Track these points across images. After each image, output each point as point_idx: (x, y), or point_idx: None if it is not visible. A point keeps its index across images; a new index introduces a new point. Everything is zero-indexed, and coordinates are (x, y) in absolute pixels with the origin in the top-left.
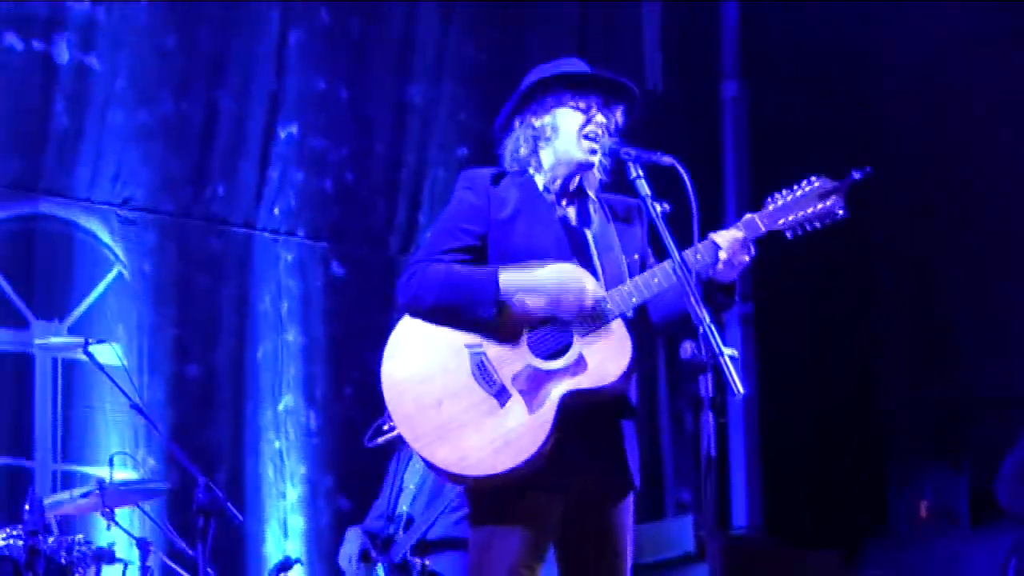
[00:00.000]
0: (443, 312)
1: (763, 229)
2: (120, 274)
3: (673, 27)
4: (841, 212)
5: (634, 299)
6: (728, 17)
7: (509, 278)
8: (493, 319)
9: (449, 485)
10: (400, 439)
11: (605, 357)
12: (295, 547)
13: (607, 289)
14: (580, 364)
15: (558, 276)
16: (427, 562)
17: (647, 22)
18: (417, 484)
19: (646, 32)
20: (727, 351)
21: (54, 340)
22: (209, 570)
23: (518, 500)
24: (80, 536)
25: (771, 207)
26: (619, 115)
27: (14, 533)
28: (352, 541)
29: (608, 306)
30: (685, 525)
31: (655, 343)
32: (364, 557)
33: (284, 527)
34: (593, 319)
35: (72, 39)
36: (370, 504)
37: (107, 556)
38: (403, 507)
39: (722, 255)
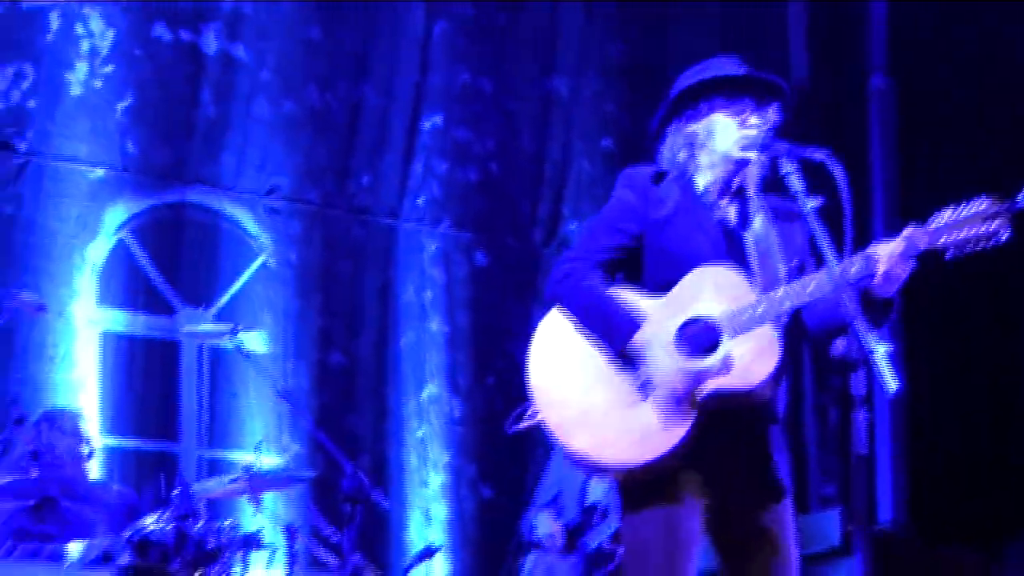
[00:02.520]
0: (577, 328)
1: (923, 246)
2: (265, 263)
3: (819, 21)
4: (1005, 236)
5: (786, 304)
6: (876, 10)
7: (646, 337)
8: (621, 359)
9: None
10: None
11: (753, 360)
12: (437, 534)
13: (763, 292)
14: (727, 364)
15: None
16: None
17: (793, 16)
18: None
19: (791, 26)
20: (880, 348)
21: (202, 327)
22: (355, 556)
23: (661, 494)
24: (228, 521)
25: (934, 225)
26: (772, 113)
27: (163, 518)
28: (549, 520)
29: (760, 311)
30: (830, 519)
31: (802, 344)
32: (571, 536)
33: (427, 514)
34: (742, 319)
35: (219, 30)
36: (512, 492)
37: (254, 541)
38: (597, 496)
39: (880, 268)
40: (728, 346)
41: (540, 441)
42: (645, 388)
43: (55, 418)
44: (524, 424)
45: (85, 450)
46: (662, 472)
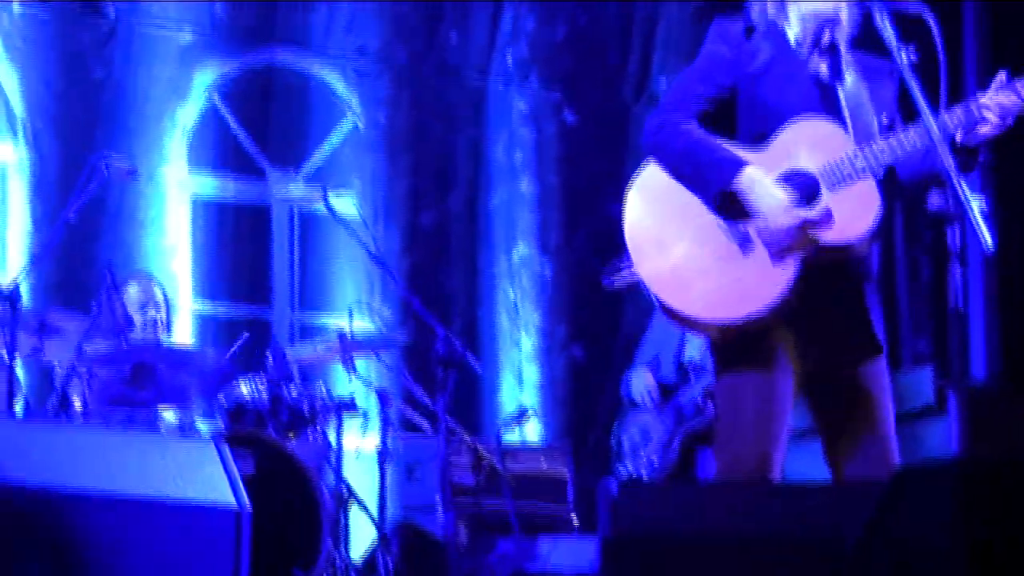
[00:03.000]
0: (675, 176)
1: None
2: (355, 124)
3: None
4: None
5: (886, 157)
6: None
7: (751, 177)
8: (714, 203)
9: None
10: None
11: (853, 213)
12: (529, 397)
13: (858, 146)
14: (828, 216)
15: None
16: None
17: None
18: None
19: None
20: (975, 202)
21: (293, 191)
22: (448, 420)
23: (755, 356)
24: (321, 386)
25: None
26: None
27: (257, 383)
28: (643, 375)
29: (859, 164)
30: (924, 377)
31: (895, 196)
32: (664, 391)
33: (519, 377)
34: (841, 172)
35: None
36: (604, 353)
37: (347, 405)
38: (692, 353)
39: (982, 128)
40: (828, 198)
41: (632, 301)
42: (745, 244)
43: (146, 283)
44: (620, 277)
45: (172, 315)
46: (757, 331)
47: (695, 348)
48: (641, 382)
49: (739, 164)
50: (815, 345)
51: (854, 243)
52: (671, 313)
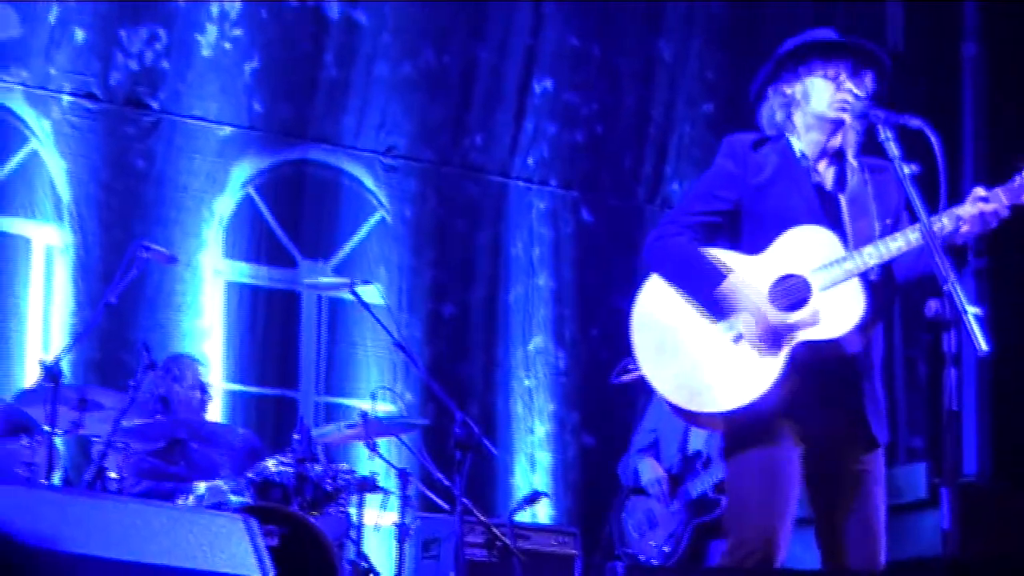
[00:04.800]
0: (675, 283)
1: (1007, 202)
2: (383, 218)
3: None
4: None
5: (872, 260)
6: None
7: (731, 286)
8: (713, 309)
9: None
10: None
11: (838, 312)
12: (542, 480)
13: (855, 249)
14: (815, 318)
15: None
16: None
17: None
18: None
19: None
20: (971, 309)
21: (322, 280)
22: (464, 500)
23: (761, 441)
24: (344, 465)
25: (1018, 182)
26: (868, 81)
27: (284, 460)
28: (652, 465)
29: (847, 266)
30: (917, 472)
31: (892, 300)
32: (675, 481)
33: (532, 461)
34: (831, 275)
35: None
36: (613, 441)
37: (370, 484)
38: (697, 445)
39: (964, 227)
40: (817, 299)
41: (641, 392)
42: (738, 340)
43: (181, 364)
44: (627, 377)
45: (207, 395)
46: (762, 420)
47: (699, 439)
48: (652, 472)
49: (722, 275)
50: (814, 437)
51: (841, 339)
52: (676, 410)
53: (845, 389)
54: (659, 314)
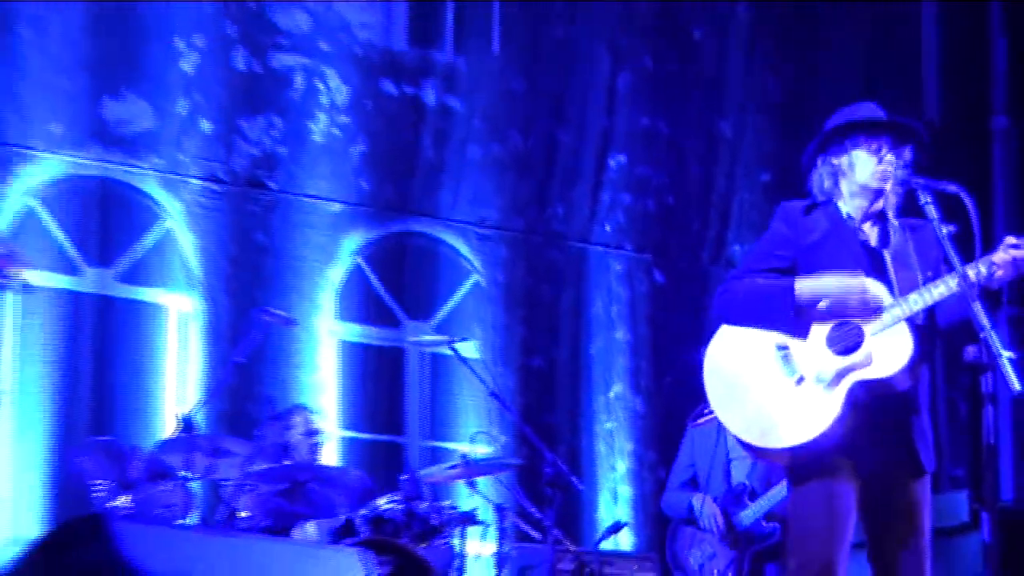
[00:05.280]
0: (747, 317)
1: None
2: (477, 282)
3: (949, 64)
4: None
5: (917, 306)
6: (997, 56)
7: (802, 285)
8: (790, 322)
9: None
10: (717, 421)
11: (889, 353)
12: (623, 512)
13: (899, 298)
14: (868, 359)
15: (844, 282)
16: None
17: (926, 58)
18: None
19: (925, 68)
20: (1006, 353)
21: (425, 337)
22: (555, 531)
23: (821, 473)
24: (448, 501)
25: None
26: (907, 153)
27: (394, 499)
28: (707, 503)
29: (896, 311)
30: (959, 499)
31: (935, 343)
32: (724, 514)
33: (614, 495)
34: (881, 321)
35: (437, 84)
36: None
37: (470, 518)
38: (740, 478)
39: (997, 273)
40: (870, 343)
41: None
42: (800, 383)
43: (294, 413)
44: (702, 421)
45: (321, 440)
46: (823, 456)
47: (741, 473)
48: (709, 509)
49: (791, 290)
50: (867, 470)
51: (892, 378)
52: (747, 447)
53: (897, 423)
54: (728, 362)
